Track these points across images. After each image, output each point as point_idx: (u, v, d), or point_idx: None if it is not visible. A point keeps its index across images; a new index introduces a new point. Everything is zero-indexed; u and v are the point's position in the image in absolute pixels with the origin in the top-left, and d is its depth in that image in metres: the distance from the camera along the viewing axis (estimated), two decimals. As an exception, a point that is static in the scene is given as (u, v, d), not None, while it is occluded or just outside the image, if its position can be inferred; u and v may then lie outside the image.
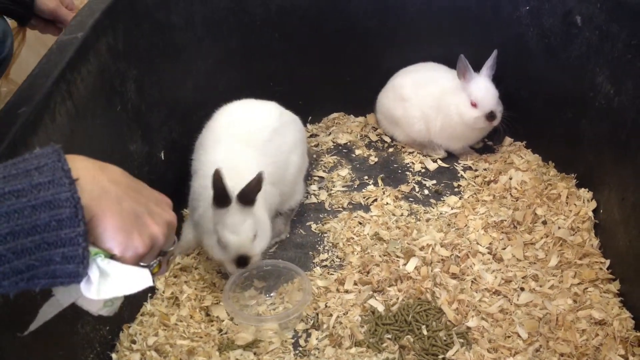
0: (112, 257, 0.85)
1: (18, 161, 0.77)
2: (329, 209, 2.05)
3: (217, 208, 1.55)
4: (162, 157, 1.89)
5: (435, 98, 2.17)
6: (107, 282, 0.83)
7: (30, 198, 0.74)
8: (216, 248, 1.61)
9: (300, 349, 1.60)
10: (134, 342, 1.58)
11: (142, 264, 0.90)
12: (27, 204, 0.74)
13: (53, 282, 0.78)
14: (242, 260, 1.60)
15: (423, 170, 2.21)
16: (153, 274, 0.93)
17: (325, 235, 1.94)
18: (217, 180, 1.48)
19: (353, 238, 1.91)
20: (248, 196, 1.53)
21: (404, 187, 2.11)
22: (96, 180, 0.82)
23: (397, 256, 1.80)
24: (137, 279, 0.86)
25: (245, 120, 1.84)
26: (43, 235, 0.74)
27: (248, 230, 1.57)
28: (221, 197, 1.51)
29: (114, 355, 1.54)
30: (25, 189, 0.74)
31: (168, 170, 1.91)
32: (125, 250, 0.85)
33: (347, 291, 1.73)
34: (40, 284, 0.78)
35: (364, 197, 2.08)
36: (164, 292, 1.72)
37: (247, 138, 1.77)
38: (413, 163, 2.24)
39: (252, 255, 1.60)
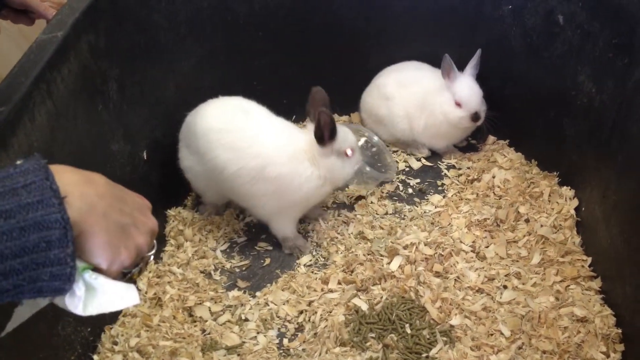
0: (95, 268, 0.85)
1: (2, 177, 0.75)
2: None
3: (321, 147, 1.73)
4: (145, 156, 1.87)
5: (420, 97, 2.17)
6: (94, 299, 0.83)
7: (19, 219, 0.72)
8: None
9: (284, 349, 1.60)
10: (115, 343, 1.57)
11: (123, 271, 0.90)
12: (16, 225, 0.72)
13: (37, 295, 0.78)
14: None
15: (407, 169, 2.22)
16: (134, 280, 0.94)
17: (309, 234, 1.94)
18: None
19: (337, 237, 1.91)
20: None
21: (388, 186, 2.12)
22: (84, 196, 0.81)
23: (381, 255, 1.80)
24: (125, 296, 0.87)
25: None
26: (32, 257, 0.73)
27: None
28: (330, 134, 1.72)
29: (95, 357, 1.53)
30: (13, 209, 0.73)
31: (151, 169, 1.90)
32: (112, 265, 0.85)
33: (331, 290, 1.73)
34: (24, 298, 0.78)
35: (348, 196, 2.08)
36: (146, 292, 1.70)
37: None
38: (397, 162, 2.24)
39: None
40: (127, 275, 0.93)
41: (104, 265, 0.84)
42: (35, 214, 0.73)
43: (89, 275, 0.83)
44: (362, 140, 1.92)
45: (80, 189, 0.81)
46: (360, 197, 2.07)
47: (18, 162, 0.77)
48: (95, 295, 0.83)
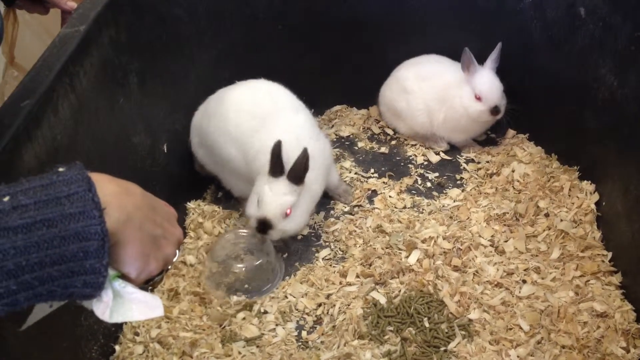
0: (122, 276, 0.87)
1: (46, 184, 0.77)
2: (332, 202, 2.05)
3: (270, 176, 1.68)
4: (165, 149, 1.89)
5: (439, 91, 2.16)
6: (121, 307, 0.85)
7: (60, 229, 0.74)
8: (252, 203, 1.71)
9: (303, 341, 1.61)
10: (137, 334, 1.59)
11: None
12: (58, 234, 0.74)
13: (67, 299, 0.80)
14: (262, 225, 1.69)
15: (426, 163, 2.21)
16: (155, 287, 0.96)
17: (328, 228, 1.95)
18: (276, 152, 1.64)
19: (355, 231, 1.91)
20: (296, 174, 1.66)
21: (406, 180, 2.11)
22: (122, 207, 0.83)
23: (399, 249, 1.80)
24: (151, 307, 0.89)
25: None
26: (69, 265, 0.75)
27: (284, 204, 1.68)
28: (276, 168, 1.66)
29: (117, 347, 1.55)
30: (56, 218, 0.74)
31: (171, 162, 1.91)
32: (140, 274, 0.88)
33: (349, 284, 1.74)
34: (54, 301, 0.81)
35: (367, 190, 2.08)
36: (163, 284, 1.72)
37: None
38: (416, 155, 2.23)
39: (274, 228, 1.69)
40: (149, 282, 0.95)
41: (133, 274, 0.87)
42: (76, 224, 0.75)
43: (119, 284, 0.85)
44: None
45: (119, 200, 0.82)
46: (377, 192, 2.07)
47: (60, 169, 0.79)
48: (122, 303, 0.85)
